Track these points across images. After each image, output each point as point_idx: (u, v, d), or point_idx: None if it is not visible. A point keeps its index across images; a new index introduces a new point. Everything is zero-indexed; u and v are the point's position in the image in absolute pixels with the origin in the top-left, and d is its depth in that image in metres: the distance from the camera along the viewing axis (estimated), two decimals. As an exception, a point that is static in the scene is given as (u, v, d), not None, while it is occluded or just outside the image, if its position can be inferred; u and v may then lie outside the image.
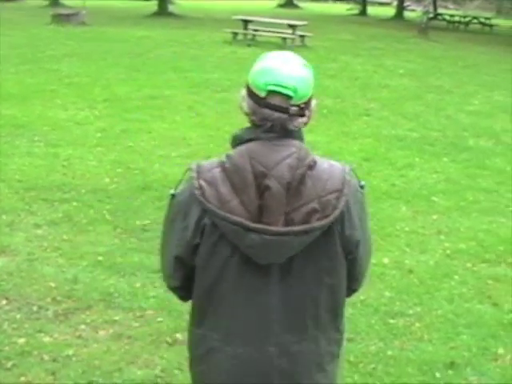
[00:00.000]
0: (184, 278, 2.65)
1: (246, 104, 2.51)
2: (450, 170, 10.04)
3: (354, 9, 48.65)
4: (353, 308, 5.56)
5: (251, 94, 2.47)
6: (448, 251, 7.11)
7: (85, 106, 12.64)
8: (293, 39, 23.56)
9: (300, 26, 24.56)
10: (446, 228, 7.76)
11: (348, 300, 2.79)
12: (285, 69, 2.43)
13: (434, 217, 8.06)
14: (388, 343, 5.28)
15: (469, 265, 6.83)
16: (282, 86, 2.40)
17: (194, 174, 2.48)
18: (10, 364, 4.72)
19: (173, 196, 2.58)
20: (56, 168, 8.93)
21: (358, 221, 2.55)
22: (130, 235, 6.97)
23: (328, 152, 9.62)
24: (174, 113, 12.53)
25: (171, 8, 36.79)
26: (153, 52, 20.36)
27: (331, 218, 2.43)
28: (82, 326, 5.23)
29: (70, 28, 25.37)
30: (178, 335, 5.15)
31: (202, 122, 11.95)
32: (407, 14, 44.90)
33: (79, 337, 5.10)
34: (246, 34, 24.81)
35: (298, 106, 2.44)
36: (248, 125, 2.55)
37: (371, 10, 47.91)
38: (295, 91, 2.41)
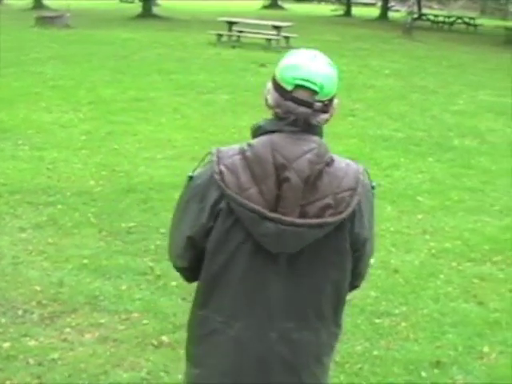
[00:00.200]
0: (193, 259, 2.69)
1: (270, 96, 2.57)
2: (435, 170, 10.07)
3: (339, 9, 48.75)
4: (339, 308, 5.56)
5: (277, 88, 2.54)
6: (433, 251, 7.13)
7: (69, 109, 12.60)
8: (277, 40, 23.59)
9: (285, 27, 24.58)
10: (431, 227, 7.78)
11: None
12: (313, 65, 2.50)
13: (419, 216, 8.08)
14: (374, 343, 5.29)
15: (454, 264, 6.85)
16: (310, 81, 2.47)
17: (215, 159, 2.53)
18: (-5, 368, 4.70)
19: (190, 178, 2.61)
20: (41, 171, 8.90)
21: (367, 220, 2.65)
22: (115, 238, 6.95)
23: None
24: (159, 115, 12.51)
25: (155, 10, 36.74)
26: (137, 54, 20.33)
27: (344, 215, 2.51)
28: (68, 330, 5.21)
29: (54, 31, 25.29)
30: (164, 337, 5.14)
31: (187, 124, 11.93)
32: (392, 14, 44.97)
33: (65, 340, 5.07)
34: (231, 35, 24.82)
35: (322, 102, 2.51)
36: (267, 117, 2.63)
37: (356, 10, 48.00)
38: (321, 87, 2.49)
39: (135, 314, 5.48)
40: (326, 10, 50.14)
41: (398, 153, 10.81)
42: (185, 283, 5.97)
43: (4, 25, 26.45)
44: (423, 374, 4.93)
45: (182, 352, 4.86)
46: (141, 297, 5.75)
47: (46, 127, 11.18)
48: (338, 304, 2.73)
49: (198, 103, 13.81)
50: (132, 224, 7.30)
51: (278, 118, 2.54)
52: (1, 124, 11.21)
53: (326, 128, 2.59)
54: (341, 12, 47.25)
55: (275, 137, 2.50)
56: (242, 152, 2.51)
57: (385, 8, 44.64)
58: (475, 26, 39.72)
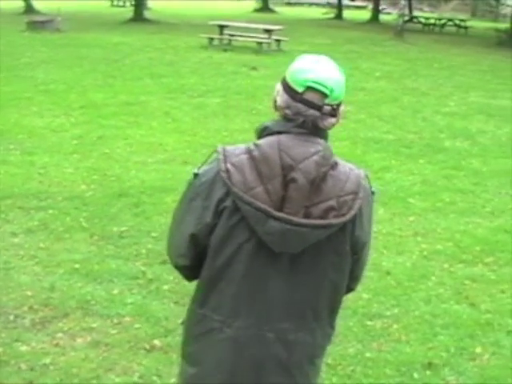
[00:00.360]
0: (195, 257, 2.71)
1: (280, 98, 2.60)
2: (426, 172, 10.09)
3: (330, 13, 48.70)
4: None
5: (287, 89, 2.57)
6: (425, 252, 7.14)
7: (61, 113, 12.58)
8: (269, 44, 23.59)
9: (276, 30, 24.59)
10: (423, 229, 7.79)
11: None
12: (324, 69, 2.56)
13: (411, 218, 8.09)
14: (366, 345, 5.30)
15: (446, 265, 6.87)
16: (321, 84, 2.52)
17: (221, 157, 2.55)
18: (-14, 374, 4.69)
19: (196, 175, 2.64)
20: (32, 176, 8.88)
21: (367, 224, 2.72)
22: (106, 242, 6.94)
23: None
24: (151, 119, 12.50)
25: (147, 14, 36.68)
26: (129, 58, 20.30)
27: (347, 217, 2.56)
28: (60, 334, 5.20)
29: (46, 35, 25.24)
30: (156, 341, 5.14)
31: (178, 128, 11.92)
32: (383, 17, 45.01)
33: (57, 345, 5.06)
34: (222, 39, 24.81)
35: (331, 105, 2.55)
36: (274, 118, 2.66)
37: (347, 13, 48.02)
38: (332, 91, 2.53)
39: (127, 318, 5.47)
40: (318, 13, 50.13)
41: (389, 155, 10.83)
42: (177, 287, 6.02)
43: (-5, 29, 26.42)
44: (415, 375, 4.94)
45: (175, 356, 4.90)
46: (133, 301, 5.74)
47: (37, 132, 11.16)
48: (335, 305, 2.78)
49: (189, 107, 13.80)
50: (123, 228, 7.29)
51: (286, 119, 2.57)
52: (-8, 129, 11.19)
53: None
54: (332, 15, 47.22)
55: (282, 138, 2.53)
56: (248, 151, 2.53)
57: (376, 11, 44.65)
58: (466, 28, 39.77)
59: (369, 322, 5.63)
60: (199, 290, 2.75)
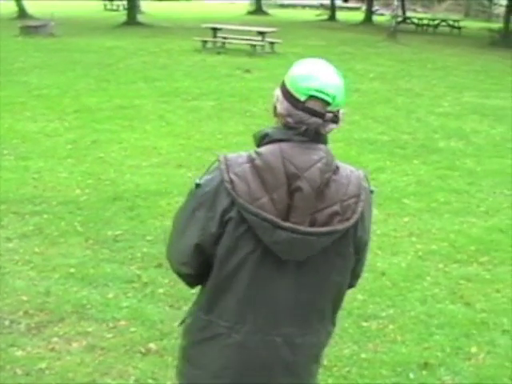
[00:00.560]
0: (199, 266, 2.69)
1: (280, 105, 2.58)
2: (420, 172, 10.10)
3: (323, 14, 48.67)
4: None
5: (288, 97, 2.54)
6: (420, 253, 7.15)
7: (54, 118, 12.57)
8: (262, 46, 23.60)
9: (269, 32, 24.62)
10: (418, 230, 7.80)
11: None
12: (325, 76, 2.55)
13: (406, 219, 8.10)
14: (362, 346, 5.30)
15: (441, 265, 6.88)
16: (323, 93, 2.50)
17: (223, 167, 2.53)
18: (-18, 379, 4.68)
19: (198, 185, 2.59)
20: (26, 181, 8.87)
21: (368, 224, 2.72)
22: (101, 246, 6.94)
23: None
24: (145, 122, 12.49)
25: (140, 17, 36.65)
26: (122, 62, 20.30)
27: (352, 222, 2.56)
28: (55, 339, 5.20)
29: (39, 40, 25.23)
30: (152, 345, 5.14)
31: (172, 131, 11.92)
32: (376, 18, 45.06)
33: (52, 349, 5.06)
34: (216, 41, 24.81)
35: (333, 112, 2.54)
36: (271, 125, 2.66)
37: (340, 15, 48.01)
38: (334, 98, 2.53)
39: (122, 322, 5.47)
40: (311, 14, 50.13)
41: (383, 156, 10.84)
42: (172, 290, 6.02)
43: (-12, 35, 26.40)
44: (411, 375, 4.95)
45: (170, 359, 4.91)
46: (128, 305, 5.74)
47: (31, 136, 11.16)
48: (337, 304, 2.82)
49: (183, 110, 13.80)
50: (118, 232, 7.29)
51: (288, 127, 2.55)
52: (-14, 134, 11.17)
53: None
54: (325, 17, 47.17)
55: (284, 146, 2.51)
56: (250, 160, 2.51)
57: (369, 12, 44.67)
58: (459, 28, 39.80)
59: (364, 323, 5.64)
60: (204, 297, 2.74)
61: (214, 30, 25.24)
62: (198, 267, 2.70)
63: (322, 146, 2.56)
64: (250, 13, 49.48)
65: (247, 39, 24.13)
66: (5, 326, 5.34)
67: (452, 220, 8.18)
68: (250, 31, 25.22)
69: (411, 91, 17.25)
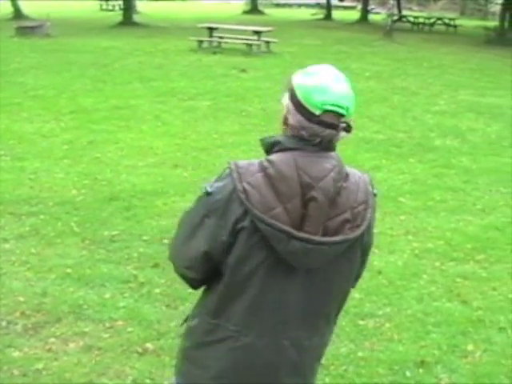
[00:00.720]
0: (205, 271, 2.68)
1: (293, 117, 2.53)
2: (416, 171, 10.11)
3: (319, 13, 48.65)
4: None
5: (301, 110, 2.50)
6: (416, 251, 7.16)
7: (51, 119, 12.56)
8: (258, 45, 23.61)
9: (265, 32, 24.62)
10: (414, 228, 7.81)
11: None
12: (338, 88, 2.50)
13: (402, 217, 8.11)
14: (358, 344, 5.31)
15: (437, 264, 6.89)
16: (339, 106, 2.48)
17: (235, 175, 2.49)
18: (-21, 380, 4.68)
19: (209, 193, 2.55)
20: (23, 181, 8.87)
21: (373, 227, 2.74)
22: (98, 246, 6.94)
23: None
24: (141, 122, 12.49)
25: (136, 17, 36.62)
26: (118, 62, 20.29)
27: (362, 229, 2.58)
28: (52, 339, 5.20)
29: (35, 40, 25.19)
30: (149, 345, 5.14)
31: (168, 131, 11.92)
32: (372, 17, 45.08)
33: (49, 350, 5.06)
34: (212, 41, 24.80)
35: (346, 122, 2.52)
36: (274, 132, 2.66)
37: (336, 14, 48.05)
38: (348, 110, 2.51)
39: (119, 322, 5.47)
40: (307, 14, 50.10)
41: (379, 155, 10.85)
42: (168, 290, 6.03)
43: (-17, 36, 26.36)
44: (408, 373, 4.95)
45: (167, 359, 4.91)
46: (125, 305, 5.74)
47: (27, 137, 11.14)
48: (342, 306, 2.86)
49: (179, 110, 13.80)
50: (115, 232, 7.29)
51: (301, 138, 2.52)
52: (-18, 135, 11.16)
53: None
54: (321, 16, 47.19)
55: (297, 155, 2.49)
56: (263, 169, 2.48)
57: (365, 11, 44.69)
58: (455, 26, 39.87)
59: (361, 322, 5.65)
60: (212, 301, 2.71)
61: (210, 29, 25.22)
62: (204, 272, 2.69)
63: (333, 154, 2.55)
64: (246, 12, 49.48)
65: (243, 39, 24.12)
66: (2, 327, 5.34)
67: (448, 218, 8.19)
68: (245, 31, 25.21)
69: (407, 90, 17.27)
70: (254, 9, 50.79)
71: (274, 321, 2.63)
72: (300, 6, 62.05)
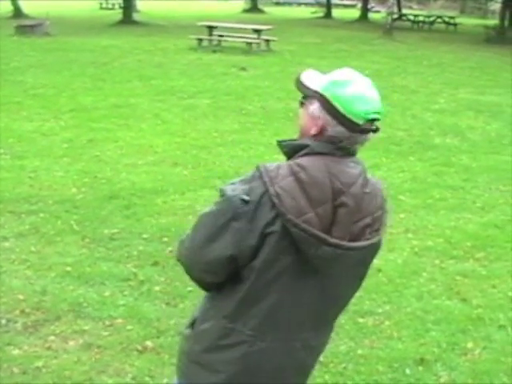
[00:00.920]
0: (227, 275, 2.62)
1: (333, 129, 2.51)
2: (416, 169, 10.12)
3: (319, 12, 48.69)
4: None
5: (344, 122, 2.49)
6: (416, 249, 7.16)
7: (50, 117, 12.55)
8: (258, 44, 23.60)
9: (265, 30, 24.61)
10: (414, 226, 7.81)
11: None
12: (373, 94, 2.54)
13: (402, 215, 8.10)
14: (358, 342, 5.31)
15: (437, 262, 6.89)
16: (378, 113, 2.52)
17: (267, 178, 2.46)
18: (-21, 378, 4.68)
19: (244, 201, 2.47)
20: (23, 180, 8.86)
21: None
22: (98, 244, 6.94)
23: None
24: (140, 121, 12.49)
25: (136, 16, 36.61)
26: (118, 61, 20.27)
27: (381, 233, 2.62)
28: (52, 338, 5.20)
29: (34, 39, 25.16)
30: (148, 342, 5.14)
31: (168, 129, 11.92)
32: (372, 15, 45.07)
33: (49, 348, 5.06)
34: (211, 40, 24.79)
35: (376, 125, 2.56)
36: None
37: (336, 12, 48.04)
38: (382, 114, 2.55)
39: (119, 320, 5.47)
40: (306, 12, 50.10)
41: (379, 153, 10.83)
42: (168, 288, 6.03)
43: (-17, 35, 26.34)
44: (407, 371, 4.95)
45: (167, 357, 4.92)
46: (124, 303, 5.74)
47: (27, 136, 11.14)
48: (347, 305, 2.87)
49: (178, 108, 13.80)
50: (115, 230, 7.29)
51: (331, 142, 2.52)
52: (-18, 134, 11.16)
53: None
54: (321, 14, 47.22)
55: (328, 160, 2.49)
56: (293, 173, 2.45)
57: (365, 9, 44.69)
58: (455, 25, 39.86)
59: (361, 320, 5.65)
60: (229, 305, 2.65)
61: (210, 28, 25.20)
62: (225, 276, 2.63)
63: (359, 160, 2.58)
64: (246, 11, 49.50)
65: (243, 37, 24.12)
66: (1, 325, 5.34)
67: (448, 216, 8.19)
68: (245, 29, 25.20)
69: (407, 88, 17.27)
70: (253, 7, 50.80)
71: (290, 323, 2.64)
72: (300, 4, 62.03)
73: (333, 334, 5.18)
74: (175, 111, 13.51)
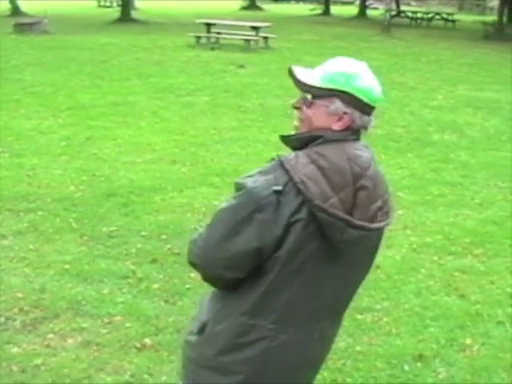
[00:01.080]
0: (250, 269, 2.58)
1: (360, 120, 2.60)
2: (414, 166, 10.12)
3: (317, 9, 48.71)
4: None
5: (368, 110, 2.62)
6: (414, 245, 7.17)
7: (49, 115, 12.55)
8: (256, 41, 23.60)
9: (263, 27, 24.61)
10: (412, 223, 7.82)
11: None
12: (377, 82, 2.67)
13: (400, 212, 8.09)
14: (357, 339, 5.31)
15: (435, 258, 6.89)
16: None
17: (289, 167, 2.47)
18: (-22, 376, 4.68)
19: (277, 191, 2.46)
20: (21, 178, 8.86)
21: None
22: (96, 242, 6.94)
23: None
24: (139, 119, 12.49)
25: (134, 14, 36.60)
26: (116, 59, 20.27)
27: (390, 215, 2.65)
28: (51, 335, 5.20)
29: (33, 37, 25.17)
30: (147, 340, 5.14)
31: (166, 127, 11.92)
32: (370, 12, 45.10)
33: (48, 346, 5.06)
34: (210, 37, 24.80)
35: None
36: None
37: (334, 9, 48.05)
38: None
39: (118, 318, 5.47)
40: (305, 9, 50.13)
41: (377, 149, 10.71)
42: (167, 285, 6.04)
43: (-19, 33, 26.33)
44: (406, 367, 4.95)
45: (166, 354, 4.92)
46: (123, 300, 5.74)
47: (25, 134, 11.14)
48: (354, 295, 2.87)
49: (177, 106, 13.79)
50: (113, 228, 7.29)
51: (354, 132, 2.61)
52: (-20, 132, 11.15)
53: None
54: (319, 11, 47.22)
55: (345, 146, 2.55)
56: (313, 161, 2.48)
57: (363, 6, 44.75)
58: (453, 21, 39.88)
59: (359, 316, 5.65)
60: (248, 301, 2.61)
61: (208, 25, 25.21)
62: (247, 271, 2.59)
63: (367, 144, 2.65)
64: (244, 8, 49.48)
65: (241, 34, 24.11)
66: (0, 323, 5.34)
67: (446, 212, 8.19)
68: (243, 26, 25.20)
69: (405, 85, 17.28)
70: (252, 4, 50.76)
71: (310, 313, 2.64)
72: (298, 1, 62.07)
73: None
74: (173, 109, 13.51)
